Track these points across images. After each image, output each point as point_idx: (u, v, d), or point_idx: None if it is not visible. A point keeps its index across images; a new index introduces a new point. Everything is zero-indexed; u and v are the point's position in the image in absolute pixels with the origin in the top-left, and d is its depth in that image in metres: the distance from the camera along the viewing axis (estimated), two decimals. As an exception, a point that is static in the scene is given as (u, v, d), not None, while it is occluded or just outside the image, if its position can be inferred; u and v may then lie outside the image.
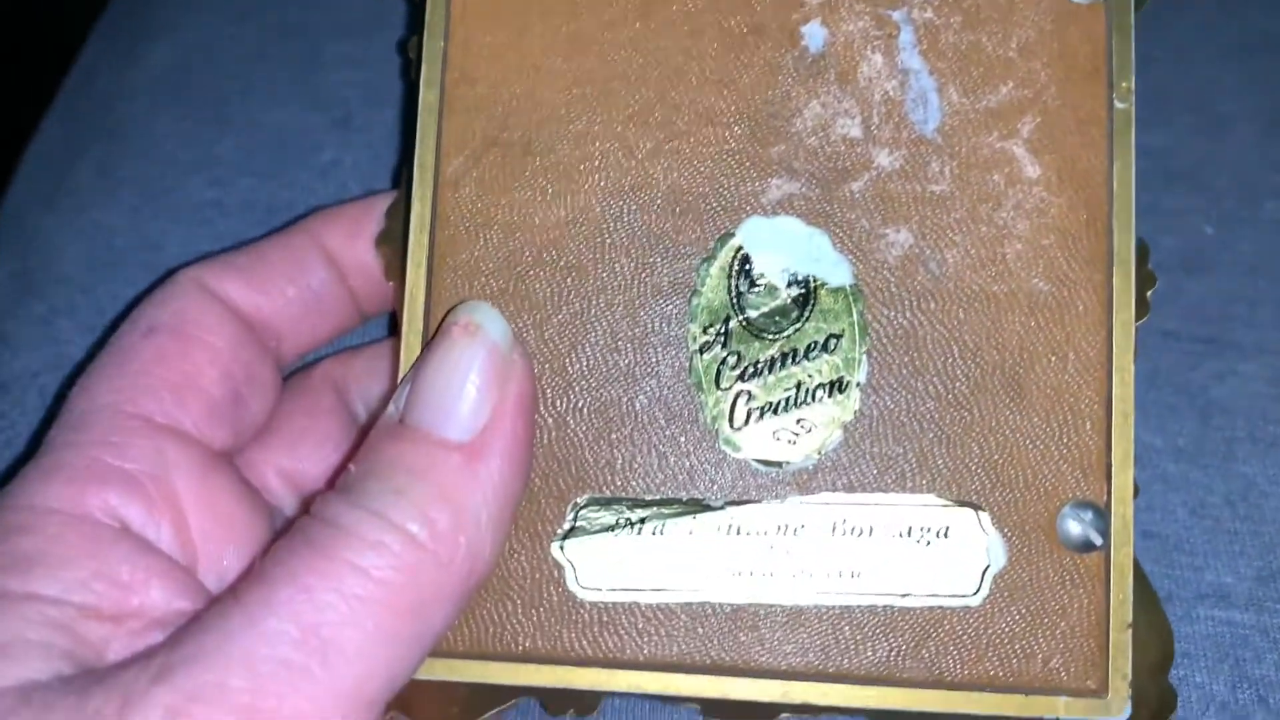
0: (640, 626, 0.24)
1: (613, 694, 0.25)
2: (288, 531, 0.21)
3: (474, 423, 0.22)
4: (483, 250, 0.25)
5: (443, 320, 0.24)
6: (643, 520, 0.24)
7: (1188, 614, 0.28)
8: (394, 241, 0.27)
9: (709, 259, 0.25)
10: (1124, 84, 0.25)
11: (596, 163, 0.25)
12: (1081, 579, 0.24)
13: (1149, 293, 0.26)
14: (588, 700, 0.25)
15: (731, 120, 0.25)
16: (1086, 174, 0.25)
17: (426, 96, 0.26)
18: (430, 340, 0.24)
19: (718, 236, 0.25)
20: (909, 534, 0.24)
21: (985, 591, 0.24)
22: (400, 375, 0.25)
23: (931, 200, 0.25)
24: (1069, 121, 0.25)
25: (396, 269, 0.27)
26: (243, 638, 0.19)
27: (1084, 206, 0.25)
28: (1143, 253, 0.25)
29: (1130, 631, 0.24)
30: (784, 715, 0.25)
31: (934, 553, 0.24)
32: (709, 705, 0.25)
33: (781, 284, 0.25)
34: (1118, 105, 0.25)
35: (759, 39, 0.25)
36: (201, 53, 0.35)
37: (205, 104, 0.34)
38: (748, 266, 0.25)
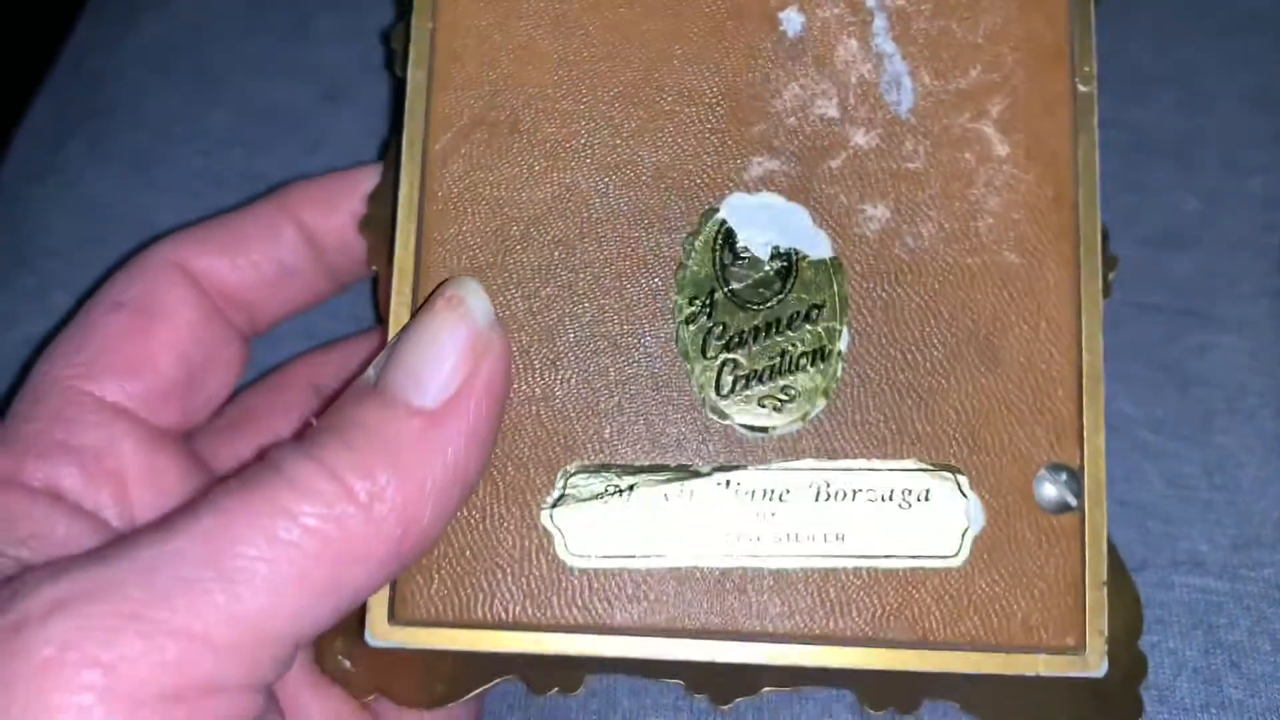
0: (629, 593, 0.24)
1: (598, 666, 0.25)
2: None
3: (442, 393, 0.22)
4: (470, 225, 0.26)
5: (431, 293, 0.24)
6: (631, 487, 0.25)
7: (1162, 581, 0.29)
8: (377, 227, 0.27)
9: (694, 234, 0.26)
10: (1086, 68, 0.26)
11: (582, 140, 0.26)
12: (1058, 539, 0.25)
13: (1111, 275, 0.27)
14: (572, 678, 0.25)
15: (714, 100, 0.26)
16: (1053, 153, 0.26)
17: (415, 76, 0.26)
18: (417, 312, 0.24)
19: (702, 212, 0.26)
20: (891, 497, 0.25)
21: (966, 553, 0.25)
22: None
23: (906, 177, 0.26)
24: (1035, 103, 0.26)
25: (381, 254, 0.27)
26: (148, 551, 0.19)
27: (1051, 183, 0.26)
28: (1103, 235, 0.26)
29: (1106, 589, 0.24)
30: (766, 688, 0.25)
31: (915, 515, 0.25)
32: (693, 679, 0.25)
33: (764, 257, 0.25)
34: (1080, 88, 0.26)
35: (739, 23, 0.26)
36: (191, 27, 0.35)
37: (195, 78, 0.34)
38: (731, 240, 0.26)
